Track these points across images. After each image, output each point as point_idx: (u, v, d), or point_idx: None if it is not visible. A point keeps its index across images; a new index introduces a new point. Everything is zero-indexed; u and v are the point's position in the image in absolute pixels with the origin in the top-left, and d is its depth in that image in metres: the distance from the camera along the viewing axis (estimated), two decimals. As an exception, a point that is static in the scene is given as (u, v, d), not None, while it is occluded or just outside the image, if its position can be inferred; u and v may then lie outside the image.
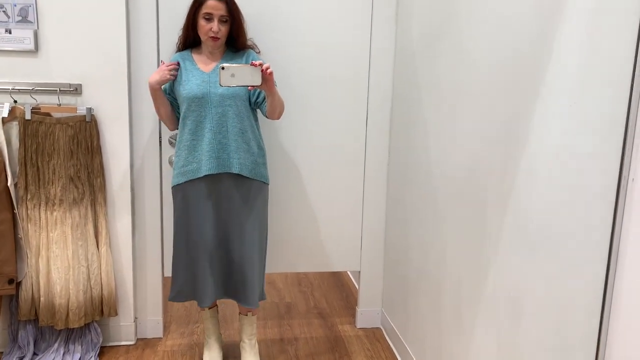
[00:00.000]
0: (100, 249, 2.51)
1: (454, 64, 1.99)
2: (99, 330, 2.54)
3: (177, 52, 2.33)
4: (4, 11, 2.29)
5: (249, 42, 2.34)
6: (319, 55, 2.64)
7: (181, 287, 2.34)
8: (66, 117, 2.39)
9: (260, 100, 2.25)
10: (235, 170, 2.21)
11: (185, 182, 2.23)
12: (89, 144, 2.44)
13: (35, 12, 2.33)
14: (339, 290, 3.46)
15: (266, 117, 2.26)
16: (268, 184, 2.37)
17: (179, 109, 2.30)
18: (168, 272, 2.65)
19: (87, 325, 2.51)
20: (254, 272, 2.29)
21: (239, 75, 1.95)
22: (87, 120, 2.42)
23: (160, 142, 2.58)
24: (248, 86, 2.00)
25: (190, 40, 2.28)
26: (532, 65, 1.46)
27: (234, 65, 1.96)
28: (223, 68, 1.92)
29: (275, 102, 2.17)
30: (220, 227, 2.27)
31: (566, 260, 1.32)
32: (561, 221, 1.34)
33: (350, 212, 2.82)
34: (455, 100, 1.98)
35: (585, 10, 1.25)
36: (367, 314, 2.92)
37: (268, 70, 1.99)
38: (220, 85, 1.96)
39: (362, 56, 2.68)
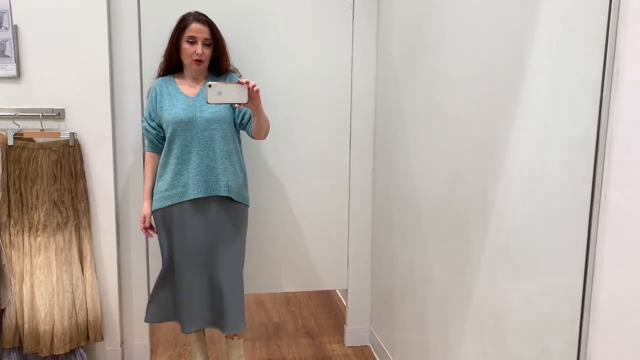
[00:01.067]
0: (85, 273, 2.49)
1: (431, 81, 2.02)
2: (84, 355, 2.51)
3: (158, 77, 2.34)
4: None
5: (231, 67, 2.36)
6: (301, 76, 2.67)
7: (158, 307, 2.33)
8: (49, 142, 2.39)
9: (246, 121, 2.25)
10: (223, 193, 2.21)
11: (169, 205, 2.23)
12: (73, 168, 2.44)
13: (12, 46, 2.34)
14: (328, 308, 3.45)
15: (252, 137, 2.26)
16: (248, 207, 2.39)
17: (164, 137, 2.29)
18: (154, 295, 2.65)
19: (72, 351, 2.49)
20: (238, 295, 2.29)
21: (226, 93, 1.94)
22: (70, 144, 2.42)
23: (144, 164, 2.57)
24: (235, 104, 2.00)
25: (173, 65, 2.29)
26: (506, 84, 1.49)
27: (220, 83, 1.95)
28: (210, 86, 1.91)
29: (262, 120, 2.17)
30: (205, 250, 2.26)
31: (545, 277, 1.34)
32: (539, 238, 1.36)
33: (336, 230, 2.83)
34: (433, 117, 2.01)
35: (554, 32, 1.28)
36: (355, 332, 2.92)
37: (255, 88, 1.99)
38: (207, 103, 1.94)
39: (344, 75, 2.71)
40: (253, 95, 2.01)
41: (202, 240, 2.24)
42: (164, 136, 2.28)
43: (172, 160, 2.21)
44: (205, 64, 2.25)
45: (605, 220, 1.13)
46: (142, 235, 2.61)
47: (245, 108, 2.22)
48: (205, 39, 2.20)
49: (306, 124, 2.71)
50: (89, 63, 2.42)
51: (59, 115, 2.42)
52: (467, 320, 1.78)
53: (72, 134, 2.42)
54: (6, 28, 2.33)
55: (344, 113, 2.75)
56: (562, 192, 1.27)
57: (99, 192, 2.51)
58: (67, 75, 2.41)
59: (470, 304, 1.76)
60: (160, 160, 2.28)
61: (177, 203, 2.21)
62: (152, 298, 2.34)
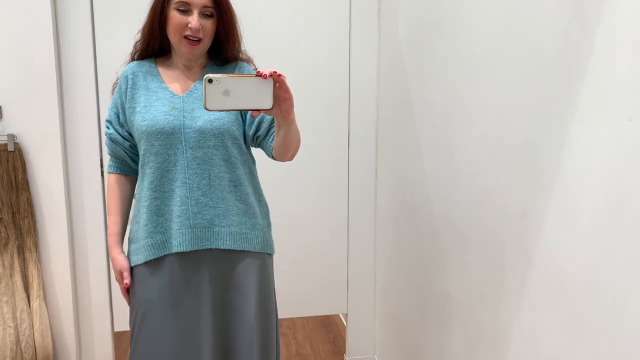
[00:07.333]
0: (31, 304, 2.07)
1: (449, 65, 1.59)
2: (33, 402, 2.10)
3: (131, 62, 1.56)
4: None
5: (242, 55, 1.55)
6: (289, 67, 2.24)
7: None
8: (-18, 147, 1.97)
9: (263, 133, 1.49)
10: (224, 245, 1.46)
11: (147, 262, 1.46)
12: (13, 178, 2.01)
13: None
14: (325, 331, 3.03)
15: (271, 157, 1.51)
16: (273, 255, 1.60)
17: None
18: (118, 327, 2.24)
19: (18, 398, 2.07)
20: None
21: (237, 92, 1.18)
22: (9, 149, 1.99)
23: (102, 171, 2.15)
24: (251, 110, 1.23)
25: (155, 46, 1.51)
26: (562, 65, 1.07)
27: (229, 75, 1.19)
28: (211, 81, 1.17)
29: (292, 134, 1.39)
30: (209, 338, 1.48)
31: (632, 338, 0.92)
32: (616, 284, 0.94)
33: (333, 249, 2.41)
34: (452, 114, 1.59)
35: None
36: (357, 362, 2.51)
37: (282, 80, 1.22)
38: (206, 109, 1.18)
39: (341, 66, 2.28)
40: (282, 94, 1.25)
41: (205, 321, 1.47)
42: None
43: (146, 192, 1.46)
44: (204, 46, 1.46)
45: None
46: (103, 254, 2.20)
47: (265, 115, 1.48)
48: (205, 6, 1.42)
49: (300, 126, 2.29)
50: (29, 46, 1.99)
51: (-5, 114, 2.00)
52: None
53: (12, 137, 2.00)
54: None
55: (341, 115, 2.32)
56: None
57: (47, 205, 2.08)
58: (4, 66, 1.98)
59: (507, 350, 1.34)
60: (136, 191, 1.54)
61: (157, 259, 1.45)
62: None
